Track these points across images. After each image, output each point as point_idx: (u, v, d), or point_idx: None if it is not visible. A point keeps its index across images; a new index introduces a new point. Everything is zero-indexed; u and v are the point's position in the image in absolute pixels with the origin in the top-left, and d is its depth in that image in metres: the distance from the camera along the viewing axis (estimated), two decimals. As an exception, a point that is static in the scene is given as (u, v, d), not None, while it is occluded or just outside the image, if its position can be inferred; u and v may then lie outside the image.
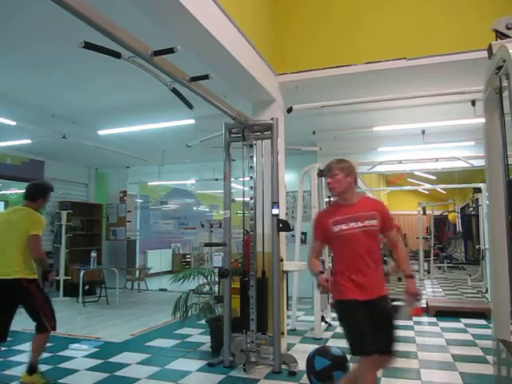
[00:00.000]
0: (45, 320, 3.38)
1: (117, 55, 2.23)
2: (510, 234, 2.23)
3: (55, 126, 6.25)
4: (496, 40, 2.35)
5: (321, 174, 5.60)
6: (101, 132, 6.41)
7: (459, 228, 15.66)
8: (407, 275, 2.49)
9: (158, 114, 5.80)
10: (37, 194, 3.62)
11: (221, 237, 4.59)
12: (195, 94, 2.99)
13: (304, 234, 7.05)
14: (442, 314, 6.02)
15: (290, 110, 4.61)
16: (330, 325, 5.52)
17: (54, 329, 3.46)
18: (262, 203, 4.18)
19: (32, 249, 3.38)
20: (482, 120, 2.64)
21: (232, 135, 4.15)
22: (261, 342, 3.95)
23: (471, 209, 13.54)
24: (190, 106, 2.86)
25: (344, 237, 2.47)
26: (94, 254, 7.92)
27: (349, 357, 3.23)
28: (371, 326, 2.33)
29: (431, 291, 8.75)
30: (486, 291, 7.41)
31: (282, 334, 4.05)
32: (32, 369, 3.39)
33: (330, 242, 2.62)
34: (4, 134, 6.79)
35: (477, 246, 10.60)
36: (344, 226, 2.46)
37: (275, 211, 3.95)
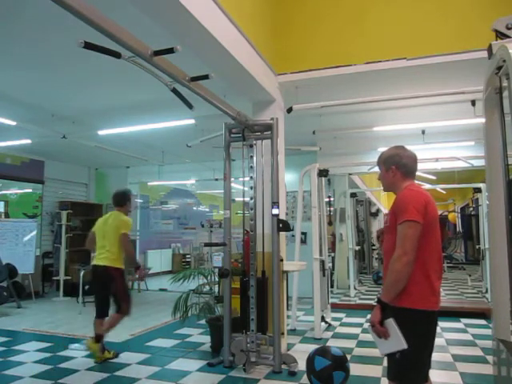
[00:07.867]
0: (122, 303, 4.14)
1: (117, 55, 2.23)
2: (510, 234, 2.23)
3: (55, 126, 6.26)
4: (496, 40, 2.35)
5: (321, 174, 5.60)
6: (101, 132, 6.41)
7: (459, 228, 15.68)
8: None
9: (158, 114, 5.80)
10: (123, 200, 4.37)
11: (221, 237, 4.58)
12: (195, 93, 2.99)
13: (304, 234, 7.06)
14: (442, 313, 5.98)
15: (289, 110, 4.60)
16: (330, 325, 5.52)
17: (128, 312, 4.18)
18: (262, 203, 4.18)
19: (123, 244, 4.17)
20: (482, 120, 2.64)
21: (232, 135, 4.15)
22: (261, 342, 3.95)
23: (471, 209, 13.56)
24: (190, 106, 2.86)
25: None
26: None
27: (349, 357, 3.22)
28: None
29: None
30: (486, 291, 7.40)
31: (282, 334, 4.05)
32: (98, 338, 4.11)
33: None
34: (4, 134, 6.79)
35: (477, 246, 10.61)
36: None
37: (275, 211, 3.95)
